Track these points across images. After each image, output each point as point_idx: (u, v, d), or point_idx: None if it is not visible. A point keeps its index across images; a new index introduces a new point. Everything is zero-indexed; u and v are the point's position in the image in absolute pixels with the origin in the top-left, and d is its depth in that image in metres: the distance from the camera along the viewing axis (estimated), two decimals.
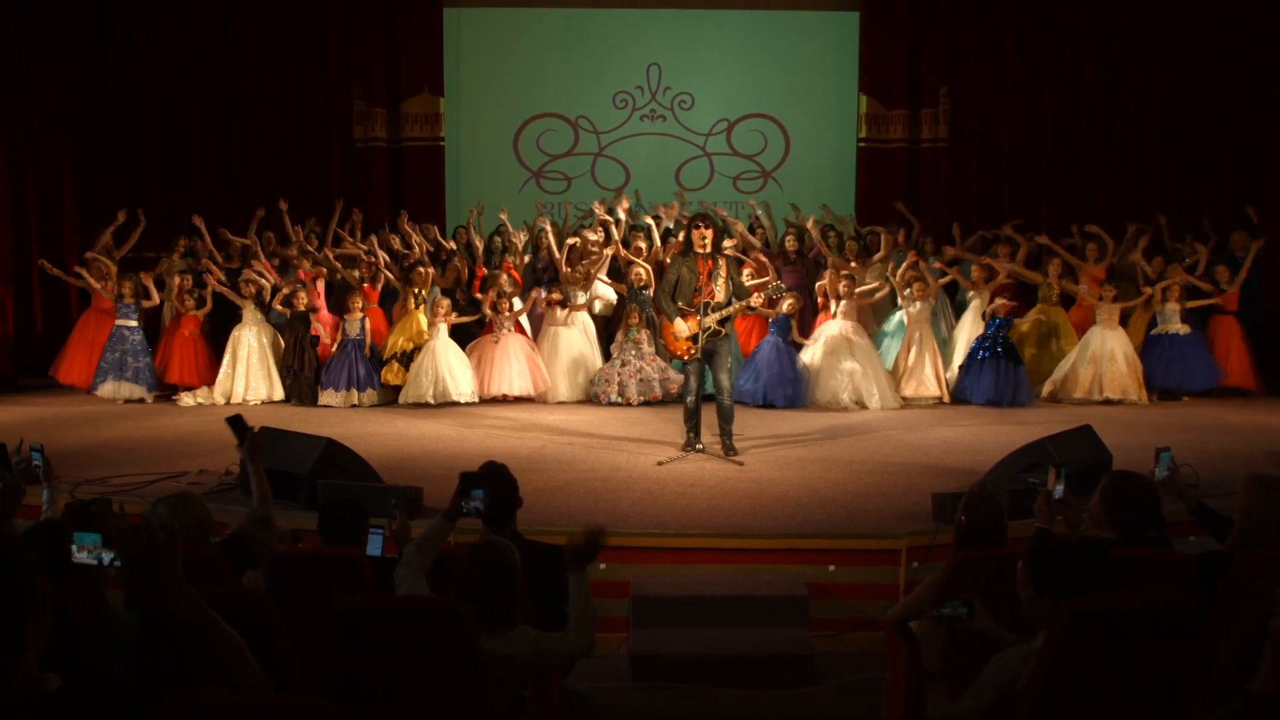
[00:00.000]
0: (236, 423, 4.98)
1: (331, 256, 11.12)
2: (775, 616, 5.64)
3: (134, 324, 10.80)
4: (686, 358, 7.91)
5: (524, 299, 10.97)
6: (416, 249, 11.23)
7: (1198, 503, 4.77)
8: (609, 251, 11.05)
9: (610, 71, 13.81)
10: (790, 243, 11.59)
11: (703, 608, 5.69)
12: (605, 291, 11.23)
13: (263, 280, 10.72)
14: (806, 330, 10.83)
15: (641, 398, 10.30)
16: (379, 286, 10.96)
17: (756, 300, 7.99)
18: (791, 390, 10.27)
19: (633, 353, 10.47)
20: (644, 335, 10.47)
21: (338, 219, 12.00)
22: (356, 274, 10.92)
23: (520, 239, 11.49)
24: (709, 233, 7.84)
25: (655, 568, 6.00)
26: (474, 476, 4.29)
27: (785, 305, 10.33)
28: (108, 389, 10.68)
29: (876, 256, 11.16)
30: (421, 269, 10.66)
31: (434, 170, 13.55)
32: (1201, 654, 3.45)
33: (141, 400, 10.69)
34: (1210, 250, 11.28)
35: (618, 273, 11.13)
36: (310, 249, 11.19)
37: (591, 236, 11.22)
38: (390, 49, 13.40)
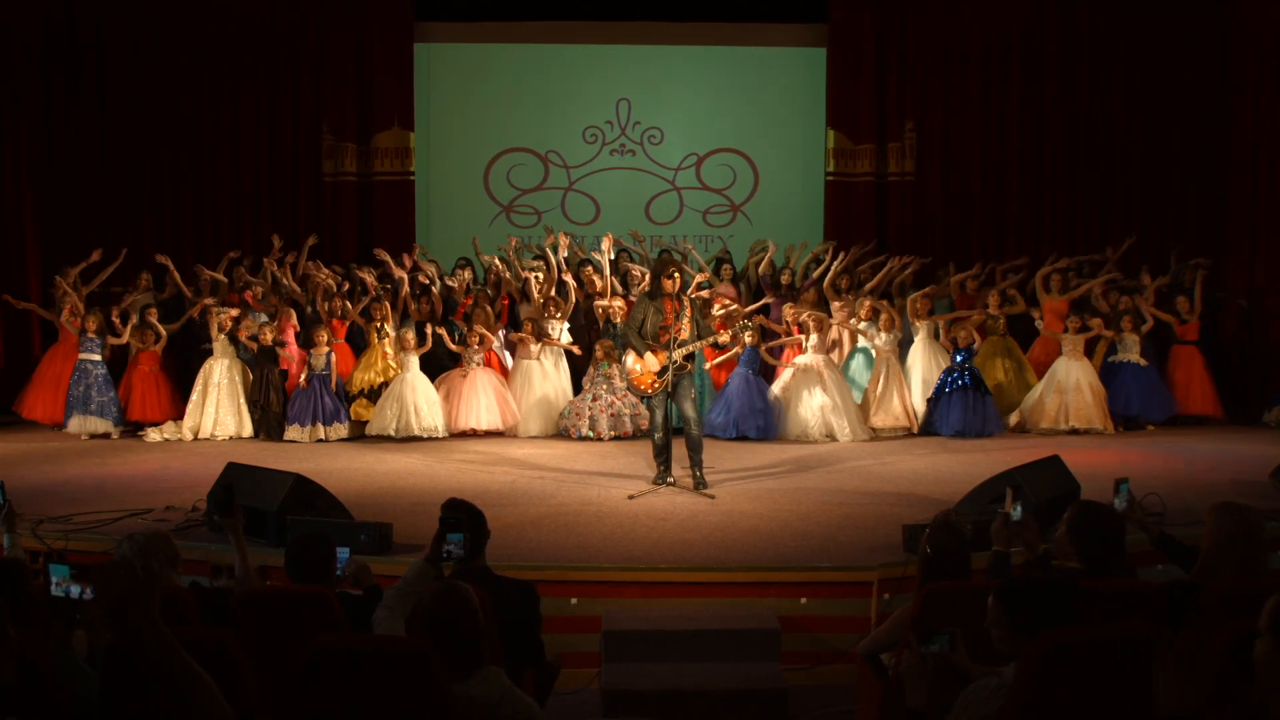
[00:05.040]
0: (226, 496, 4.95)
1: (295, 288, 11.06)
2: (747, 650, 5.62)
3: (97, 358, 10.66)
4: (651, 393, 7.97)
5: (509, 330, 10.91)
6: (371, 287, 11.07)
7: (1160, 533, 4.81)
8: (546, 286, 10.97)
9: (580, 107, 13.87)
10: (782, 275, 11.51)
11: (674, 642, 5.67)
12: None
13: (226, 314, 10.61)
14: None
15: (613, 433, 10.20)
16: (346, 322, 10.90)
17: (724, 338, 8.13)
18: (763, 420, 10.27)
19: (604, 387, 10.38)
20: (615, 370, 10.39)
21: (305, 254, 11.83)
22: (326, 307, 10.84)
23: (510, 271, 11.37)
24: (678, 276, 8.05)
25: (627, 602, 5.97)
26: (453, 522, 4.27)
27: (747, 337, 10.34)
28: (74, 424, 10.54)
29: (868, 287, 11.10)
30: (380, 304, 10.62)
31: (404, 205, 13.52)
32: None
33: (107, 435, 10.56)
34: (1161, 282, 11.41)
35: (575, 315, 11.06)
36: (285, 283, 11.11)
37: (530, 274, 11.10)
38: (360, 84, 13.40)
